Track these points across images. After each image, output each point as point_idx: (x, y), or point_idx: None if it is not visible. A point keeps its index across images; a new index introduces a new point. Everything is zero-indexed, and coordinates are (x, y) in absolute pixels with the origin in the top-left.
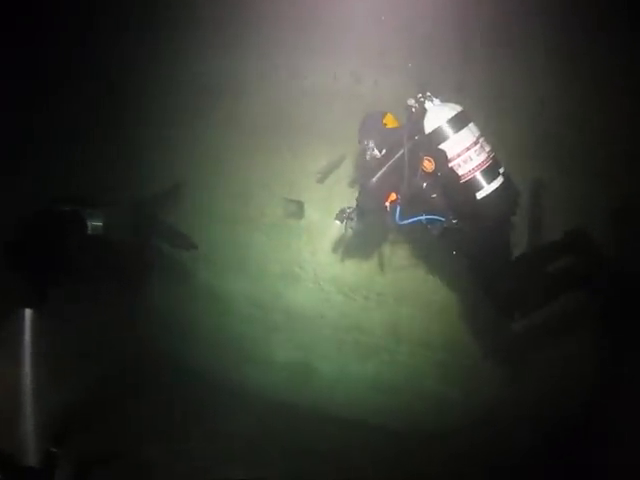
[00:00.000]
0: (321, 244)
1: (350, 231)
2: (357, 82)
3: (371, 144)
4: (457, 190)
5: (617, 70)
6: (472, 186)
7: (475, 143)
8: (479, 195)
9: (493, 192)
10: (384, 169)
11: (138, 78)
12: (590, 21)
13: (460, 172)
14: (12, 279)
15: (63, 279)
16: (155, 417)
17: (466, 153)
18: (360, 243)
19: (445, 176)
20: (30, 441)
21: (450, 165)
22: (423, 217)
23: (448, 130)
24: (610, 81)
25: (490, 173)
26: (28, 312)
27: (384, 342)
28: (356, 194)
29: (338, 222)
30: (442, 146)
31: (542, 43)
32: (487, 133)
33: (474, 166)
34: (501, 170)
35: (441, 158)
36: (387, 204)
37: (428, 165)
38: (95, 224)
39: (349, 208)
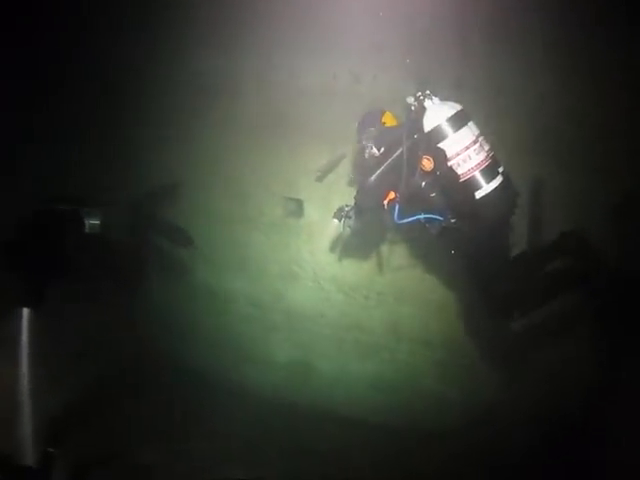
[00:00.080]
0: (320, 243)
1: (348, 230)
2: (355, 80)
3: (369, 143)
4: (456, 189)
5: (616, 65)
6: (471, 185)
7: (474, 142)
8: (478, 194)
9: (492, 192)
10: (382, 168)
11: (135, 78)
12: (588, 16)
13: (459, 171)
14: (9, 279)
15: (61, 279)
16: (153, 417)
17: (465, 152)
18: (360, 242)
19: (444, 175)
20: (28, 442)
21: (449, 164)
22: (422, 216)
23: (447, 129)
24: (609, 76)
25: (489, 172)
26: (25, 312)
27: (384, 341)
28: (355, 193)
29: (336, 220)
30: (441, 145)
31: (540, 38)
32: (486, 129)
33: (473, 165)
34: (500, 169)
35: (440, 157)
36: (385, 203)
37: (427, 164)
38: (93, 223)
39: (347, 206)
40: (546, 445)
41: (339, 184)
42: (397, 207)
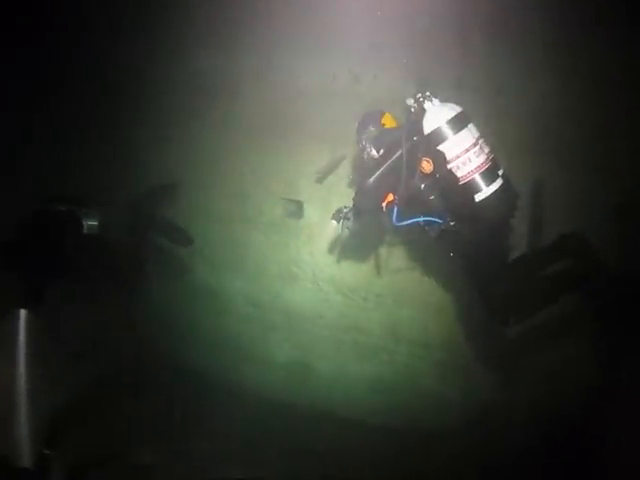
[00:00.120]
0: (319, 244)
1: (346, 231)
2: (355, 80)
3: (369, 144)
4: (455, 192)
5: (616, 65)
6: (471, 188)
7: (474, 145)
8: (478, 197)
9: (492, 194)
10: (381, 169)
11: (135, 78)
12: (588, 15)
13: (459, 174)
14: (9, 279)
15: (60, 279)
16: (153, 417)
17: (465, 155)
18: (358, 244)
19: (443, 178)
20: (26, 443)
21: (449, 167)
22: (421, 219)
23: (447, 131)
24: (609, 76)
25: (489, 175)
26: (24, 312)
27: (383, 342)
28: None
29: (334, 222)
30: (441, 147)
31: (540, 38)
32: (486, 129)
33: (473, 168)
34: (500, 172)
35: (440, 159)
36: (384, 205)
37: (426, 166)
38: (91, 224)
39: (346, 208)
40: (545, 445)
41: (339, 185)
42: (396, 209)
